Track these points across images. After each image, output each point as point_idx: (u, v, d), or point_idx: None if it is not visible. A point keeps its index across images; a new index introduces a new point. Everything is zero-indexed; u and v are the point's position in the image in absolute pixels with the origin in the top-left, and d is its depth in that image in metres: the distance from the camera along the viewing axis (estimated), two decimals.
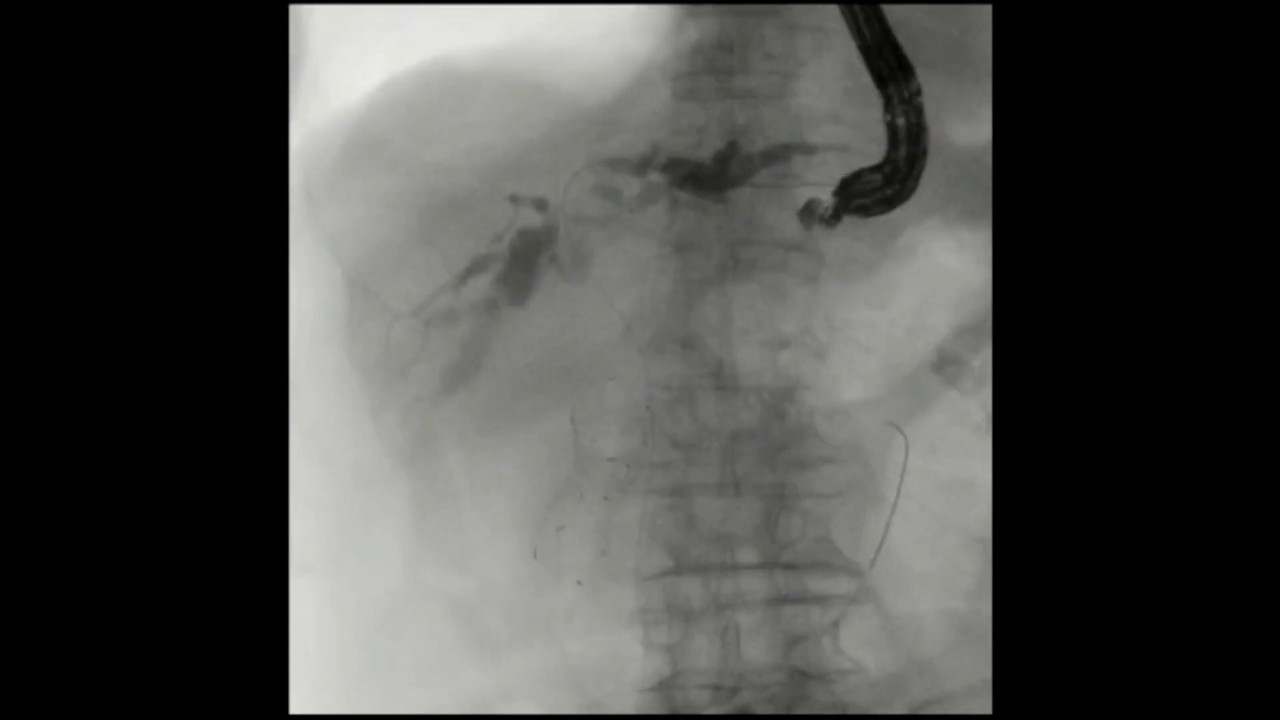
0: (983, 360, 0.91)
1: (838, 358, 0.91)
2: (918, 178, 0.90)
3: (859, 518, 0.91)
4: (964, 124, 0.91)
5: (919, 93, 0.89)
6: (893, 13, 0.90)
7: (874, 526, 0.91)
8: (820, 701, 0.90)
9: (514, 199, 0.91)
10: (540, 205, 0.91)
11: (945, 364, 0.91)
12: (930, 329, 0.91)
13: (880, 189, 0.90)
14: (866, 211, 0.90)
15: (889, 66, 0.89)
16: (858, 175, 0.90)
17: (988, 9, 0.91)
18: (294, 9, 0.91)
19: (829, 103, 0.92)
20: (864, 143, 0.91)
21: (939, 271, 0.91)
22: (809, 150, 0.92)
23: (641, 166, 0.91)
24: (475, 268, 0.91)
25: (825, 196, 0.91)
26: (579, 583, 0.90)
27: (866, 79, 0.91)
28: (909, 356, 0.91)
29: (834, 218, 0.90)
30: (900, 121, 0.90)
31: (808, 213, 0.90)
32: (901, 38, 0.90)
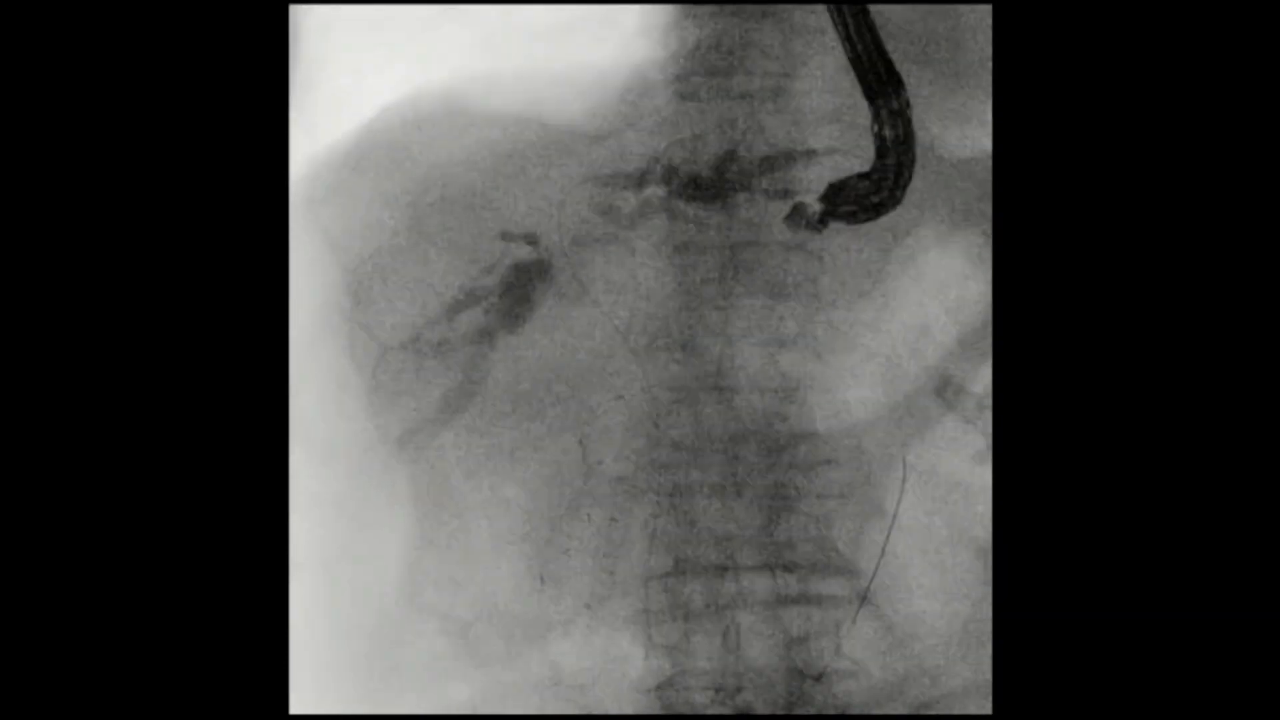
0: (983, 365, 0.91)
1: (837, 359, 0.91)
2: (905, 187, 0.90)
3: (859, 519, 0.91)
4: (962, 126, 0.91)
5: (908, 105, 0.90)
6: (893, 14, 0.90)
7: (874, 527, 0.91)
8: (820, 702, 0.91)
9: (505, 236, 0.91)
10: (531, 240, 0.91)
11: (946, 370, 0.91)
12: (930, 331, 0.91)
13: (867, 197, 0.90)
14: (853, 218, 0.90)
15: (878, 78, 0.89)
16: (845, 182, 0.90)
17: (987, 9, 0.91)
18: (294, 9, 0.91)
19: (828, 103, 0.92)
20: (863, 143, 0.91)
21: (938, 273, 0.91)
22: (808, 152, 0.92)
23: (639, 181, 0.91)
24: (467, 300, 0.91)
25: (814, 200, 0.91)
26: (587, 606, 0.90)
27: None
28: (910, 358, 0.91)
29: (820, 222, 0.90)
30: (888, 133, 0.90)
31: (794, 216, 0.90)
32: (901, 39, 0.90)
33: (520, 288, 0.91)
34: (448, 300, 0.91)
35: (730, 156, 0.91)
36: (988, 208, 0.90)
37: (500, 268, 0.91)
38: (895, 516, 0.90)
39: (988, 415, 0.91)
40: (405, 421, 0.91)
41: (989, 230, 0.90)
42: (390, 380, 0.91)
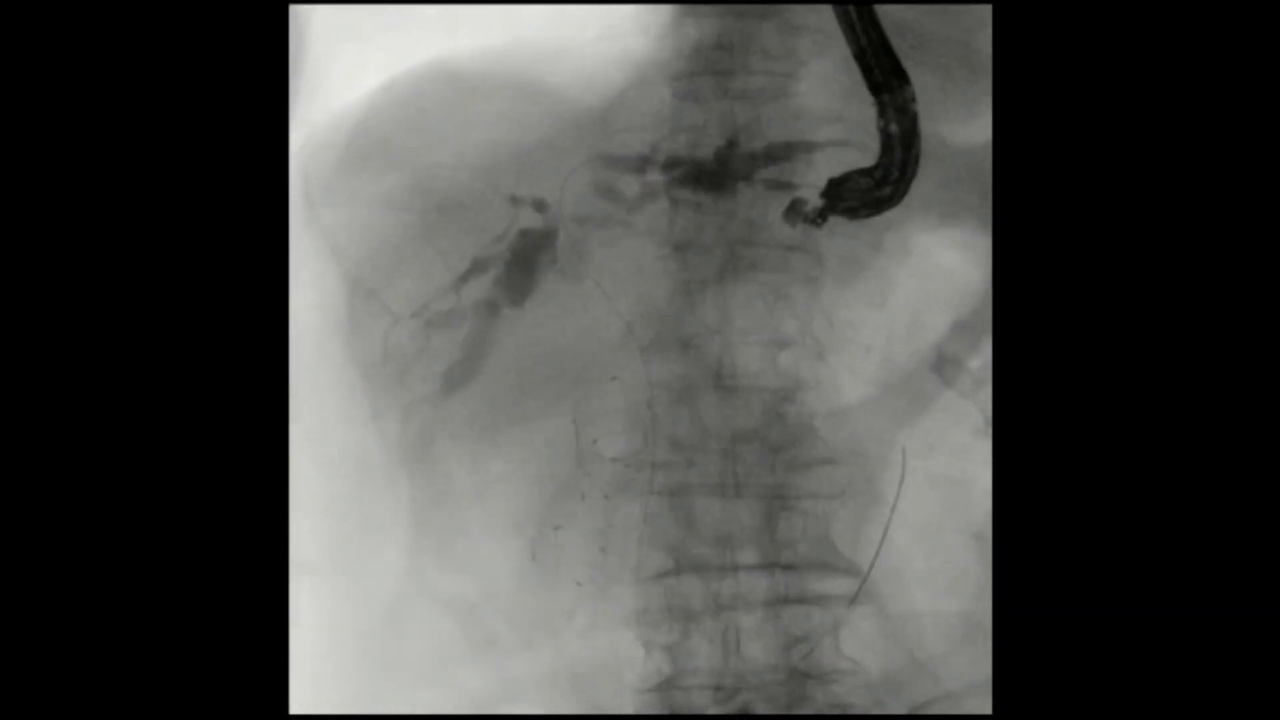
0: (981, 360, 0.91)
1: (837, 358, 0.91)
2: (909, 182, 0.90)
3: (859, 518, 0.91)
4: (963, 123, 0.91)
5: (913, 99, 0.89)
6: (893, 12, 0.90)
7: (874, 527, 0.91)
8: (820, 702, 0.90)
9: (514, 200, 0.91)
10: (540, 206, 0.91)
11: (944, 364, 0.91)
12: (929, 328, 0.91)
13: (870, 192, 0.90)
14: (854, 214, 0.90)
15: (884, 73, 0.89)
16: (847, 177, 0.90)
17: (988, 9, 0.91)
18: (294, 9, 0.91)
19: (829, 102, 0.92)
20: (864, 141, 0.91)
21: (937, 270, 0.91)
22: (809, 149, 0.92)
23: (641, 166, 0.91)
24: (475, 269, 0.91)
25: (814, 196, 0.91)
26: (578, 584, 0.90)
27: None
28: (908, 356, 0.91)
29: (820, 218, 0.90)
30: (894, 128, 0.90)
31: (793, 212, 0.90)
32: (902, 36, 0.90)
33: (525, 261, 0.91)
34: (448, 291, 0.91)
35: (732, 146, 0.91)
36: (986, 202, 0.90)
37: (507, 238, 0.91)
38: (894, 506, 0.90)
39: (987, 403, 0.90)
40: (404, 418, 0.91)
41: (987, 223, 0.90)
42: (390, 375, 0.91)
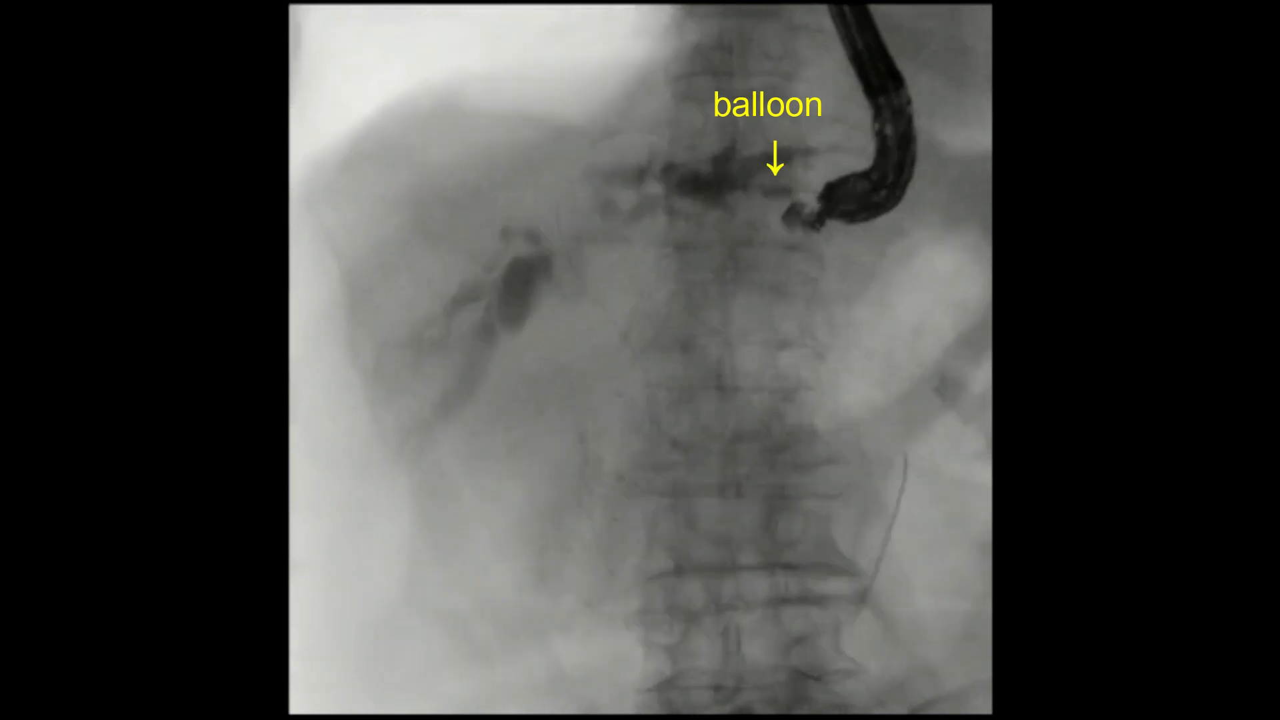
0: (983, 365, 0.91)
1: (838, 359, 0.91)
2: (905, 186, 0.90)
3: (859, 518, 0.91)
4: (963, 126, 0.91)
5: (909, 102, 0.89)
6: (893, 13, 0.90)
7: (874, 527, 0.91)
8: (820, 702, 0.91)
9: (505, 233, 0.91)
10: (533, 237, 0.91)
11: (945, 369, 0.91)
12: (930, 330, 0.91)
13: (867, 195, 0.90)
14: (852, 217, 0.90)
15: (879, 75, 0.89)
16: (844, 180, 0.90)
17: (987, 9, 0.91)
18: (294, 10, 0.91)
19: (828, 103, 0.92)
20: (863, 143, 0.91)
21: (938, 272, 0.91)
22: (808, 151, 0.92)
23: (639, 176, 0.91)
24: (468, 295, 0.91)
25: (811, 200, 0.91)
26: (588, 604, 0.90)
27: None
28: (909, 357, 0.91)
29: (818, 221, 0.90)
30: (889, 130, 0.90)
31: (791, 215, 0.91)
32: (902, 39, 0.90)
33: (520, 285, 0.91)
34: (447, 298, 0.91)
35: (730, 154, 0.92)
36: (986, 206, 0.90)
37: (500, 265, 0.91)
38: (895, 513, 0.90)
39: (987, 413, 0.91)
40: (404, 419, 0.91)
41: (988, 228, 0.90)
42: (390, 377, 0.91)
